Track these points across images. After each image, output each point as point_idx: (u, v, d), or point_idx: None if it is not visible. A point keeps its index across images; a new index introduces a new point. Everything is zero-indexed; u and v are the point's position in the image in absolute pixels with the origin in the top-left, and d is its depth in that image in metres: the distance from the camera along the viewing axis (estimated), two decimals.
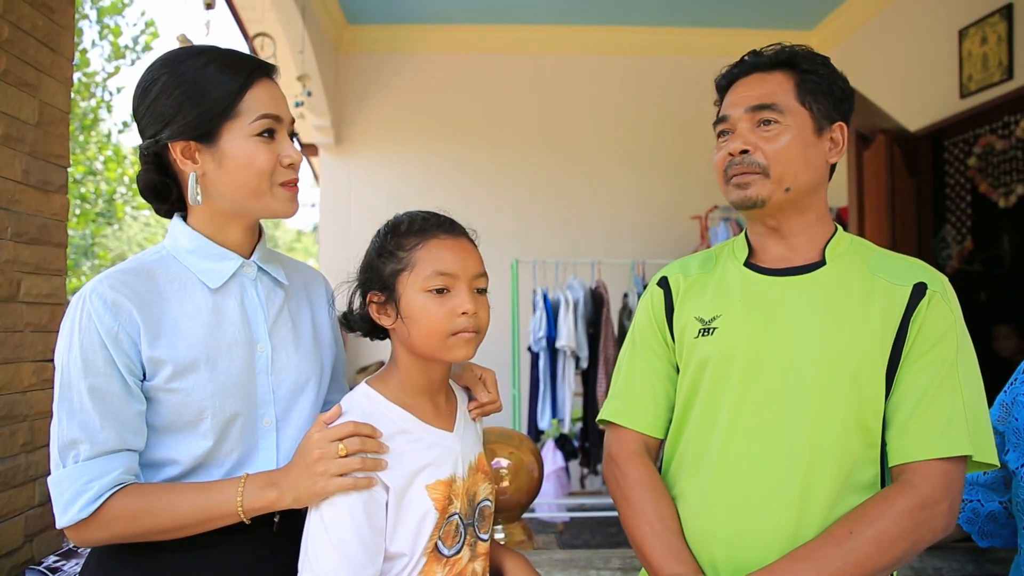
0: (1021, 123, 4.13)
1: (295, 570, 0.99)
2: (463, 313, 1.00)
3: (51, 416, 0.98)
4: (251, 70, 1.02)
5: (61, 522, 0.94)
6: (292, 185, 1.06)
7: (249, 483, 0.97)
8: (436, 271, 1.01)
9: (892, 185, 3.69)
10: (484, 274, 1.06)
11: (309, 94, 4.66)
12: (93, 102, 9.30)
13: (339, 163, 5.48)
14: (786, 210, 1.11)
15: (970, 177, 4.57)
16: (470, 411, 1.15)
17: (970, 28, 3.86)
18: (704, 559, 1.07)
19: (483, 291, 1.06)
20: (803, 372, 1.05)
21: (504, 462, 2.12)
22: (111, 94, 10.37)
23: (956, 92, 3.96)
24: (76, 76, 8.36)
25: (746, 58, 1.16)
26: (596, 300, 4.17)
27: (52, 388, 1.00)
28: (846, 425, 1.04)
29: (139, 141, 1.06)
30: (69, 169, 2.15)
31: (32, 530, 1.96)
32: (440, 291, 1.01)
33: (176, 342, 0.99)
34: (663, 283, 1.24)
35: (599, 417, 1.25)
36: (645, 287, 1.53)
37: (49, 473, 0.96)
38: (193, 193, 1.02)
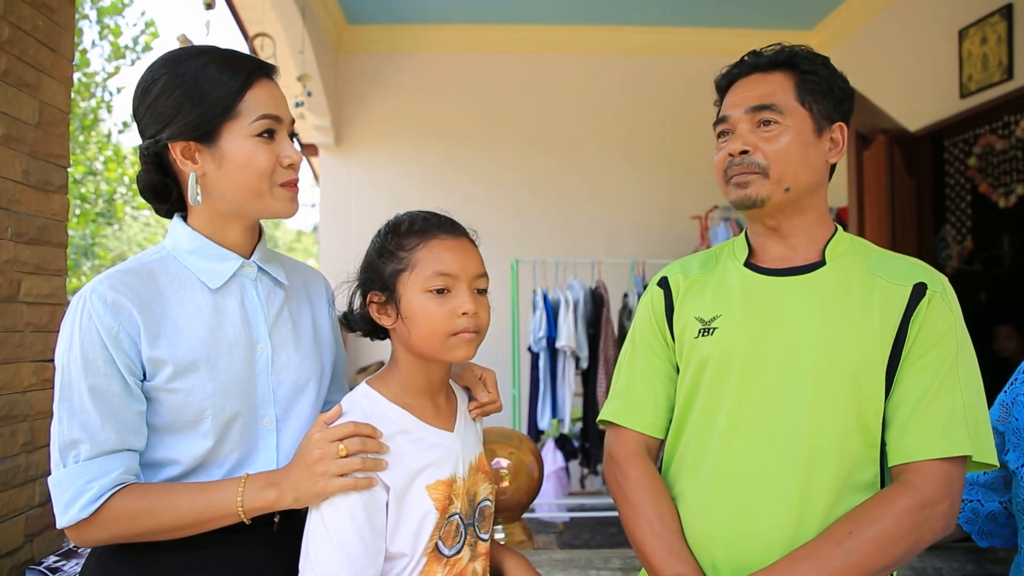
0: (1021, 123, 4.13)
1: (295, 570, 0.99)
2: (463, 313, 1.01)
3: (51, 416, 0.98)
4: (251, 70, 1.02)
5: (61, 522, 0.94)
6: (292, 185, 1.06)
7: (249, 483, 0.97)
8: (437, 271, 1.01)
9: (892, 185, 3.69)
10: (484, 274, 1.06)
11: (309, 94, 4.66)
12: (93, 102, 9.30)
13: (339, 163, 5.48)
14: (786, 210, 1.11)
15: (970, 177, 4.57)
16: (470, 411, 1.15)
17: (970, 28, 3.86)
18: (704, 559, 1.07)
19: (483, 291, 1.06)
20: (803, 372, 1.05)
21: (504, 462, 2.12)
22: (111, 94, 10.38)
23: (956, 92, 3.96)
24: (76, 76, 8.36)
25: (746, 58, 1.16)
26: (596, 300, 4.17)
27: (52, 388, 1.00)
28: (846, 425, 1.04)
29: (139, 141, 1.06)
30: (69, 169, 2.15)
31: (32, 530, 1.96)
32: (441, 291, 1.01)
33: (176, 342, 0.99)
34: (663, 283, 1.24)
35: (600, 417, 1.25)
36: (645, 287, 1.53)
37: (49, 473, 0.96)
38: (193, 193, 1.02)
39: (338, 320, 1.14)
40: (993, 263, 4.77)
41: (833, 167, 1.16)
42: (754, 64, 1.14)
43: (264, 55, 4.70)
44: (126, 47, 9.42)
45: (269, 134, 1.02)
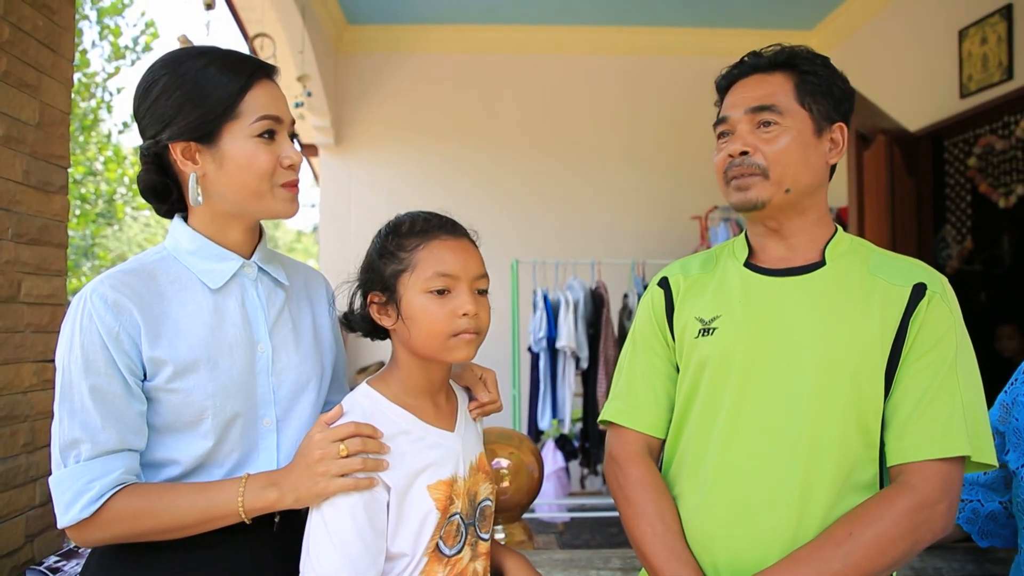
0: (1021, 123, 4.13)
1: (296, 570, 0.99)
2: (464, 314, 1.01)
3: (52, 416, 0.98)
4: (251, 71, 1.02)
5: (62, 522, 0.94)
6: (292, 186, 1.06)
7: (250, 483, 0.97)
8: (437, 272, 1.01)
9: (892, 185, 3.69)
10: (485, 275, 1.06)
11: (309, 94, 4.66)
12: (93, 103, 9.30)
13: (339, 163, 5.49)
14: (786, 211, 1.11)
15: (970, 177, 4.57)
16: (471, 411, 1.15)
17: (970, 28, 3.86)
18: (705, 560, 1.07)
19: (484, 292, 1.07)
20: (803, 372, 1.05)
21: (504, 462, 2.12)
22: (111, 95, 10.37)
23: (956, 92, 3.96)
24: (76, 77, 8.35)
25: (746, 59, 1.16)
26: (596, 300, 4.18)
27: (53, 389, 1.00)
28: (846, 425, 1.04)
29: (139, 141, 1.06)
30: (69, 170, 2.15)
31: (33, 530, 1.96)
32: (441, 292, 1.01)
33: (177, 342, 0.99)
34: (663, 283, 1.24)
35: (600, 417, 1.25)
36: (645, 287, 1.53)
37: (50, 473, 0.96)
38: (194, 194, 1.02)
39: (338, 320, 1.15)
40: (993, 263, 4.76)
41: (833, 167, 1.17)
42: (754, 65, 1.14)
43: (264, 55, 4.70)
44: (126, 47, 9.42)
45: (269, 135, 1.03)
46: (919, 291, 1.06)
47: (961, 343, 1.05)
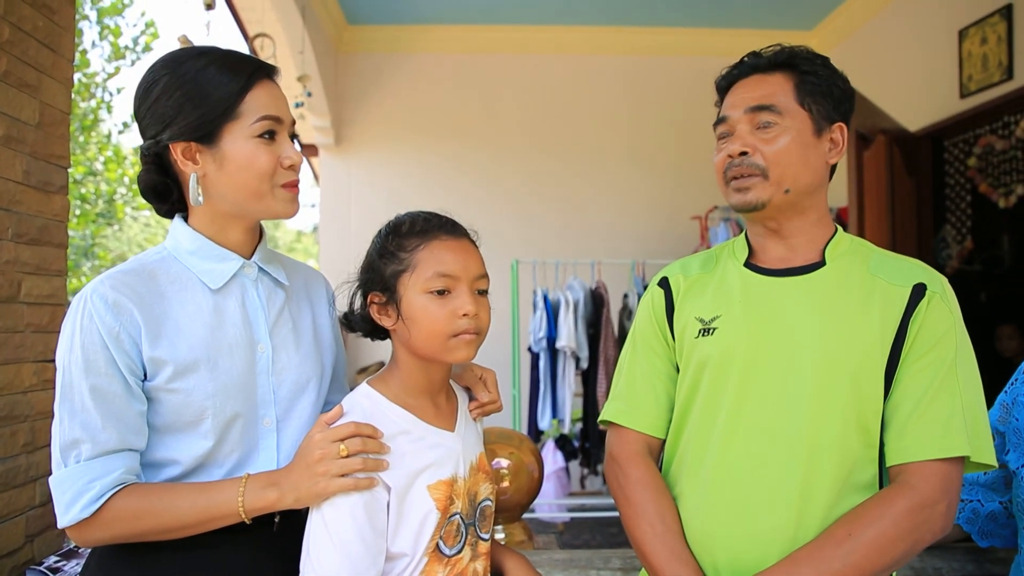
0: (1021, 123, 4.13)
1: (296, 570, 0.99)
2: (464, 315, 1.01)
3: (52, 416, 0.98)
4: (252, 71, 1.02)
5: (63, 522, 0.94)
6: (293, 186, 1.06)
7: (250, 483, 0.97)
8: (437, 272, 1.01)
9: (892, 185, 3.69)
10: (485, 275, 1.06)
11: (309, 94, 4.66)
12: (93, 103, 9.30)
13: (339, 163, 5.49)
14: (786, 211, 1.11)
15: (970, 177, 4.57)
16: (471, 411, 1.15)
17: (970, 28, 3.86)
18: (705, 560, 1.07)
19: (484, 292, 1.06)
20: (803, 372, 1.05)
21: (504, 462, 2.12)
22: (111, 95, 10.36)
23: (956, 92, 3.96)
24: (76, 77, 8.35)
25: (745, 59, 1.16)
26: (596, 300, 4.18)
27: (53, 389, 1.00)
28: (846, 425, 1.04)
29: (140, 141, 1.06)
30: (69, 170, 2.15)
31: (33, 530, 1.96)
32: (441, 292, 1.01)
33: (177, 342, 0.99)
34: (663, 283, 1.24)
35: (601, 418, 1.25)
36: (645, 287, 1.53)
37: (50, 473, 0.96)
38: (194, 194, 1.02)
39: (339, 320, 1.15)
40: (993, 263, 4.76)
41: (833, 168, 1.17)
42: (754, 65, 1.14)
43: (264, 55, 4.70)
44: (126, 47, 9.42)
45: (270, 135, 1.03)
46: (919, 291, 1.06)
47: (961, 343, 1.05)
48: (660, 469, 1.19)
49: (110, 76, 9.39)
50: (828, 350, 1.05)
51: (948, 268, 4.62)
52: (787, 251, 1.14)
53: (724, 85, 1.18)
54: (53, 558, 1.90)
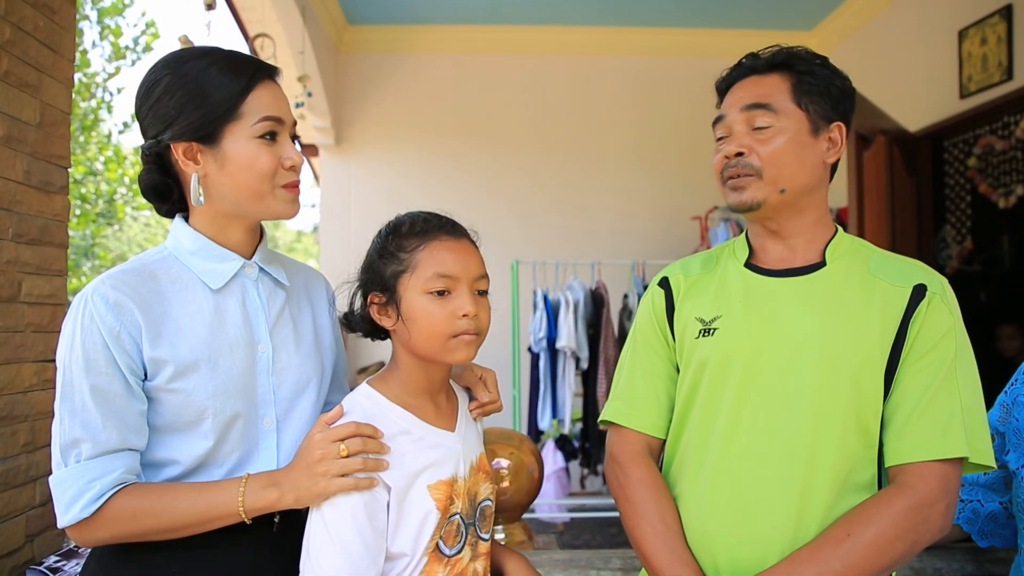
0: (1021, 123, 4.13)
1: (295, 570, 0.99)
2: (464, 315, 1.01)
3: (52, 416, 0.98)
4: (254, 72, 1.02)
5: (63, 521, 0.94)
6: (293, 187, 1.06)
7: (250, 483, 0.97)
8: (437, 273, 1.01)
9: (892, 185, 3.69)
10: (485, 276, 1.06)
11: (309, 95, 4.66)
12: (93, 103, 9.30)
13: (339, 163, 5.49)
14: (784, 211, 1.12)
15: (970, 177, 4.57)
16: (471, 411, 1.15)
17: (970, 29, 3.86)
18: (705, 560, 1.07)
19: (484, 293, 1.07)
20: (803, 373, 1.05)
21: (504, 462, 2.12)
22: (111, 95, 10.34)
23: (956, 92, 3.96)
24: (77, 77, 8.35)
25: (743, 61, 1.16)
26: (596, 301, 4.18)
27: (53, 388, 1.00)
28: (846, 426, 1.04)
29: (141, 141, 1.06)
30: (70, 170, 2.15)
31: (33, 530, 1.96)
32: (441, 293, 1.01)
33: (177, 342, 0.99)
34: (664, 283, 1.24)
35: (601, 418, 1.25)
36: (645, 288, 1.53)
37: (50, 473, 0.96)
38: (195, 194, 1.02)
39: (339, 320, 1.15)
40: (993, 263, 4.77)
41: (834, 168, 1.17)
42: (751, 67, 1.14)
43: (264, 56, 4.70)
44: (126, 47, 9.41)
45: (271, 136, 1.03)
46: (919, 292, 1.06)
47: (961, 344, 1.05)
48: (660, 469, 1.20)
49: (110, 76, 9.38)
50: (828, 351, 1.05)
51: (948, 268, 4.62)
52: (787, 251, 1.14)
53: (723, 87, 1.19)
54: (53, 558, 1.90)
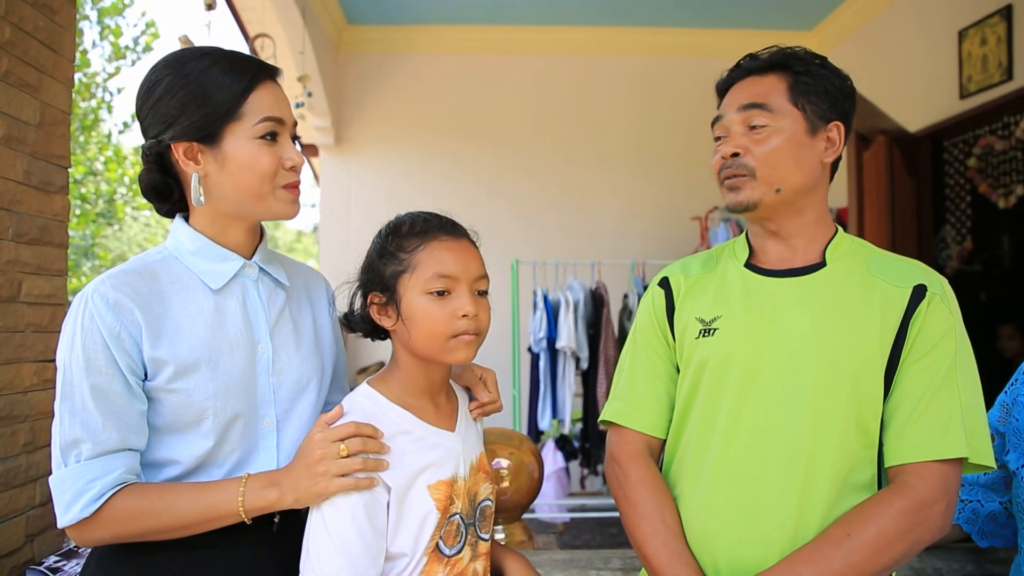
0: (1021, 124, 4.13)
1: (295, 570, 0.99)
2: (464, 315, 1.01)
3: (52, 416, 0.98)
4: (255, 72, 1.02)
5: (63, 521, 0.94)
6: (294, 187, 1.07)
7: (250, 483, 0.97)
8: (437, 273, 1.01)
9: (892, 186, 3.69)
10: (485, 276, 1.06)
11: (309, 95, 4.66)
12: (93, 102, 9.30)
13: (339, 163, 5.49)
14: (781, 211, 1.12)
15: (970, 178, 4.58)
16: (471, 411, 1.15)
17: (970, 29, 3.86)
18: (706, 561, 1.07)
19: (484, 293, 1.07)
20: (803, 373, 1.05)
21: (504, 462, 2.12)
22: (111, 95, 10.34)
23: (956, 93, 3.96)
24: (77, 77, 8.35)
25: (742, 62, 1.16)
26: (596, 301, 4.18)
27: (53, 388, 1.00)
28: (846, 426, 1.04)
29: (141, 141, 1.06)
30: (70, 170, 2.15)
31: (33, 530, 1.96)
32: (441, 293, 1.01)
33: (178, 342, 0.99)
34: (664, 283, 1.24)
35: (601, 418, 1.25)
36: (645, 288, 1.53)
37: (50, 473, 0.96)
38: (196, 194, 1.02)
39: (339, 321, 1.15)
40: (993, 263, 4.77)
41: (835, 168, 1.17)
42: (749, 67, 1.15)
43: (264, 56, 4.70)
44: (127, 47, 9.41)
45: (272, 136, 1.03)
46: (919, 292, 1.06)
47: (961, 344, 1.05)
48: (660, 469, 1.20)
49: (110, 76, 9.38)
50: (828, 351, 1.05)
51: (948, 268, 4.62)
52: (787, 251, 1.14)
53: (722, 88, 1.19)
54: (53, 558, 1.90)
